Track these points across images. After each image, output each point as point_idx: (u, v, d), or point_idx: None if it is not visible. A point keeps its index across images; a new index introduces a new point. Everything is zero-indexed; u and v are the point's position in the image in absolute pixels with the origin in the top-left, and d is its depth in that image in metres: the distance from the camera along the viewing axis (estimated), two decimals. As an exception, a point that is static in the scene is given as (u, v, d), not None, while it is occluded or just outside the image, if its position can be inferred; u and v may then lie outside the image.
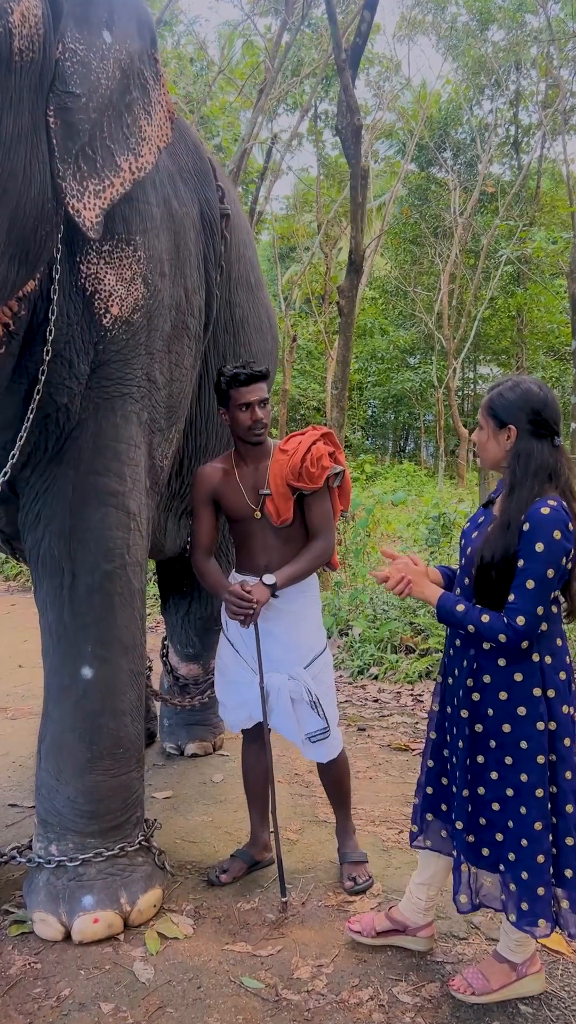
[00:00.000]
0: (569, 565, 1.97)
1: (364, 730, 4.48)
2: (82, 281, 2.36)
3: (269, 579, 2.56)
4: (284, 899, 2.60)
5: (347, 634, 6.07)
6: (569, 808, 2.01)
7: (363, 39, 7.31)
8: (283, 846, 2.98)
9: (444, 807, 2.23)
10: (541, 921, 2.01)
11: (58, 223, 2.22)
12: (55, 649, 2.61)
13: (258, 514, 2.69)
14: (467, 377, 23.33)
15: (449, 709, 2.19)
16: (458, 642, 2.14)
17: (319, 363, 20.70)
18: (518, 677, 2.01)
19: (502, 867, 2.07)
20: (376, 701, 5.09)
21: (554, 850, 2.02)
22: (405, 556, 2.21)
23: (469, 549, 2.12)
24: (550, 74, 16.63)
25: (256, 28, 17.36)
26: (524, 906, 2.02)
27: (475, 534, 2.13)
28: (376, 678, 5.54)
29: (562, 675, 2.02)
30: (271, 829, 2.84)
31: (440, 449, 19.76)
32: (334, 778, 2.87)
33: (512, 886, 2.04)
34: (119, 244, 2.40)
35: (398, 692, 5.27)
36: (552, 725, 2.00)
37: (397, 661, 5.64)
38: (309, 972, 2.31)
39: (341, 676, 5.49)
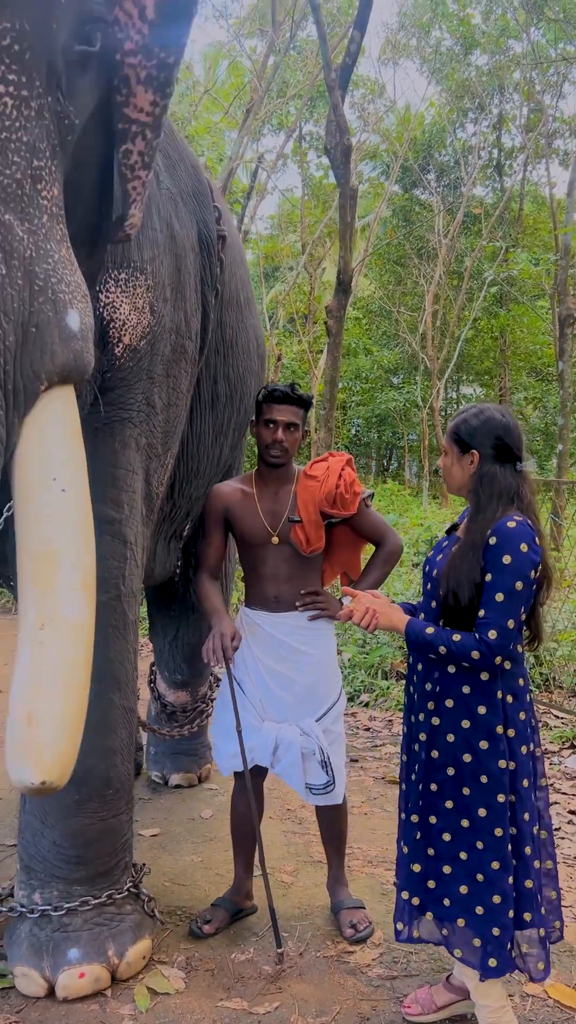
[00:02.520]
0: (535, 586, 1.97)
1: (356, 761, 4.36)
2: (100, 310, 2.29)
3: (347, 600, 2.46)
4: (280, 950, 2.47)
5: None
6: (528, 850, 1.98)
7: (352, 59, 7.31)
8: (277, 890, 2.86)
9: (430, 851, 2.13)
10: (492, 961, 1.95)
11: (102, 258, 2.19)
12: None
13: (276, 540, 2.59)
14: (450, 397, 23.39)
15: (406, 728, 2.17)
16: (420, 666, 2.12)
17: (303, 382, 20.68)
18: (481, 710, 1.99)
19: (461, 921, 2.00)
20: (368, 730, 4.98)
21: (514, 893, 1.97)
22: (366, 592, 2.23)
23: (435, 572, 2.10)
24: (532, 98, 16.80)
25: (242, 49, 17.47)
26: (492, 962, 1.95)
27: (439, 558, 2.12)
28: (367, 705, 5.42)
29: (522, 715, 2.02)
30: (257, 873, 2.70)
31: (424, 469, 19.75)
32: (331, 821, 2.74)
33: (477, 941, 1.97)
34: (134, 273, 2.34)
35: (390, 720, 5.15)
36: (512, 764, 1.98)
37: (388, 687, 5.53)
38: (309, 1031, 2.18)
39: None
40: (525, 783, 1.99)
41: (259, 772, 2.71)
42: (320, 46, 7.33)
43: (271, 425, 2.59)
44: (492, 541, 1.94)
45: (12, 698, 1.50)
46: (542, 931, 2.01)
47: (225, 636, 2.52)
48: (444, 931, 2.07)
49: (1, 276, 1.47)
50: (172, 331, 2.59)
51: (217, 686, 4.60)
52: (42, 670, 1.47)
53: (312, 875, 3.03)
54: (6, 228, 1.48)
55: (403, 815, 2.18)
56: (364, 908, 2.70)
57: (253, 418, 2.71)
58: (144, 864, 2.67)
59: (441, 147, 19.57)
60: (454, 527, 2.19)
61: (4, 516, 2.28)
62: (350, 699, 5.47)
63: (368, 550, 2.80)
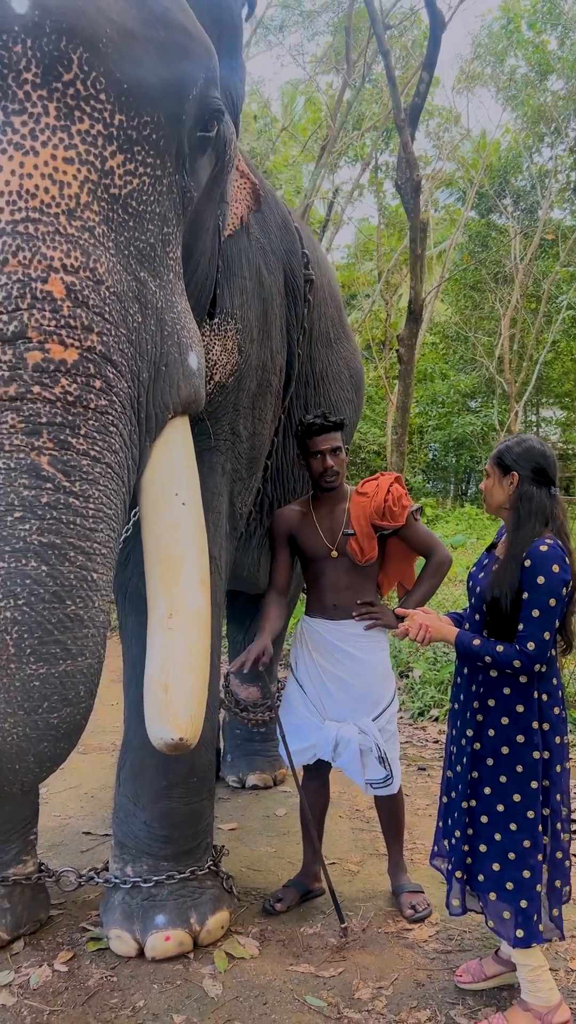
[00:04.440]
0: (567, 600, 2.23)
1: (424, 770, 4.56)
2: None
3: (400, 612, 2.73)
4: (343, 925, 2.72)
5: (408, 676, 6.16)
6: (559, 826, 2.25)
7: (422, 99, 7.61)
8: (343, 876, 3.11)
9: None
10: (520, 932, 2.19)
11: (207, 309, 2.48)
12: (137, 681, 2.79)
13: (335, 553, 2.87)
14: (529, 420, 23.27)
15: (454, 732, 2.43)
16: (466, 670, 2.39)
17: (379, 408, 20.92)
18: (519, 708, 2.25)
19: (493, 895, 2.25)
20: (436, 742, 5.17)
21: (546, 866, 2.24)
22: (418, 610, 2.49)
23: (478, 588, 2.37)
24: (610, 121, 16.81)
25: (318, 85, 18.00)
26: (520, 933, 2.19)
27: (481, 575, 2.39)
28: (436, 720, 5.61)
29: (556, 710, 2.28)
30: (335, 859, 2.97)
31: (503, 492, 19.65)
32: (390, 810, 2.99)
33: (506, 914, 2.22)
34: (225, 318, 2.62)
35: (458, 733, 5.33)
36: (546, 754, 2.24)
37: (457, 703, 5.70)
38: (370, 993, 2.42)
39: (402, 717, 5.59)
40: (558, 768, 2.25)
41: (323, 766, 2.98)
42: (390, 89, 7.67)
43: (319, 456, 2.87)
44: (527, 563, 2.19)
45: (148, 674, 1.77)
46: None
47: (253, 651, 2.77)
48: (480, 904, 2.32)
49: (139, 323, 1.74)
50: (258, 368, 2.89)
51: (280, 695, 4.93)
52: (173, 650, 1.75)
53: (376, 865, 3.27)
54: (142, 284, 1.76)
55: (444, 799, 2.45)
56: (423, 892, 2.93)
57: (298, 452, 2.96)
58: (223, 846, 2.96)
59: (517, 172, 19.68)
60: (493, 545, 2.45)
61: (132, 522, 2.66)
62: (420, 713, 5.67)
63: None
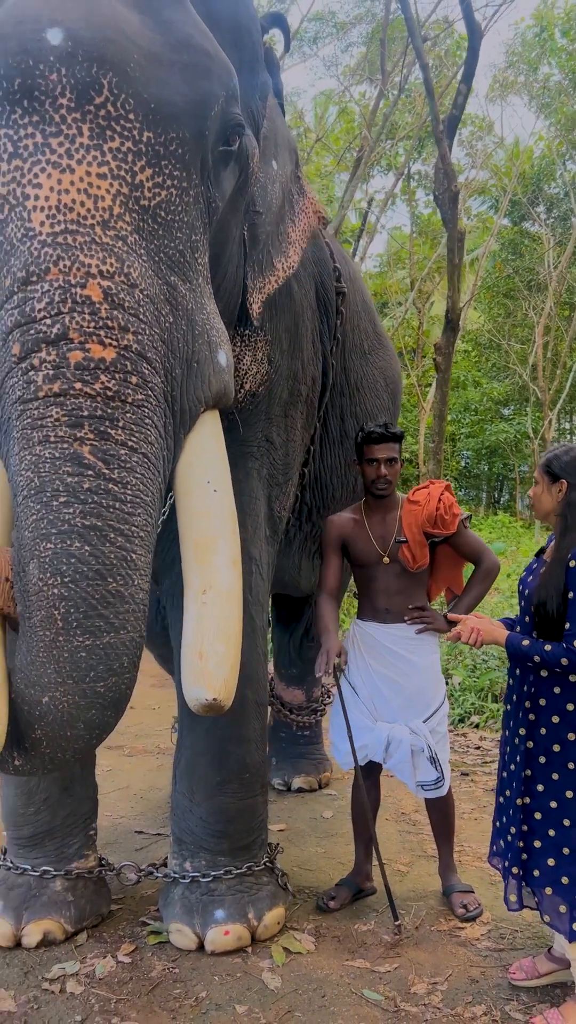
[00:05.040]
0: None
1: (467, 775, 4.61)
2: None
3: (453, 616, 2.80)
4: (397, 922, 2.78)
5: (447, 682, 6.20)
6: None
7: (459, 110, 7.69)
8: (394, 877, 3.17)
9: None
10: None
11: (236, 315, 2.59)
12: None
13: (386, 560, 2.94)
14: (563, 428, 23.18)
15: (507, 732, 2.49)
16: (518, 671, 2.46)
17: (412, 415, 20.94)
18: (570, 707, 2.32)
19: (549, 890, 2.31)
20: (478, 748, 5.21)
21: None
22: (470, 615, 2.58)
23: (527, 592, 2.45)
24: None
25: (351, 96, 18.11)
26: None
27: (530, 579, 2.47)
28: (477, 726, 5.65)
29: None
30: (384, 860, 3.03)
31: (536, 500, 19.58)
32: (440, 812, 3.05)
33: (563, 908, 2.28)
34: (255, 330, 2.72)
35: (498, 740, 5.36)
36: None
37: (498, 710, 5.73)
38: (425, 988, 2.49)
39: (442, 722, 5.62)
40: None
41: (374, 767, 3.05)
42: (428, 101, 7.75)
43: (374, 463, 2.96)
44: (572, 564, 2.26)
45: (184, 643, 1.88)
46: None
47: (331, 652, 2.88)
48: (536, 899, 2.37)
49: (171, 323, 1.86)
50: (288, 378, 2.99)
51: (330, 697, 5.01)
52: (207, 621, 1.86)
53: (425, 867, 3.33)
54: (173, 287, 1.88)
55: (500, 798, 2.51)
56: (474, 892, 2.98)
57: (356, 458, 3.07)
58: (278, 844, 3.04)
59: (550, 180, 19.64)
60: (542, 550, 2.53)
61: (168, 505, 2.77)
62: (460, 720, 5.71)
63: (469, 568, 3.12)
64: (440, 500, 2.92)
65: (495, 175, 19.81)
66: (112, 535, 1.67)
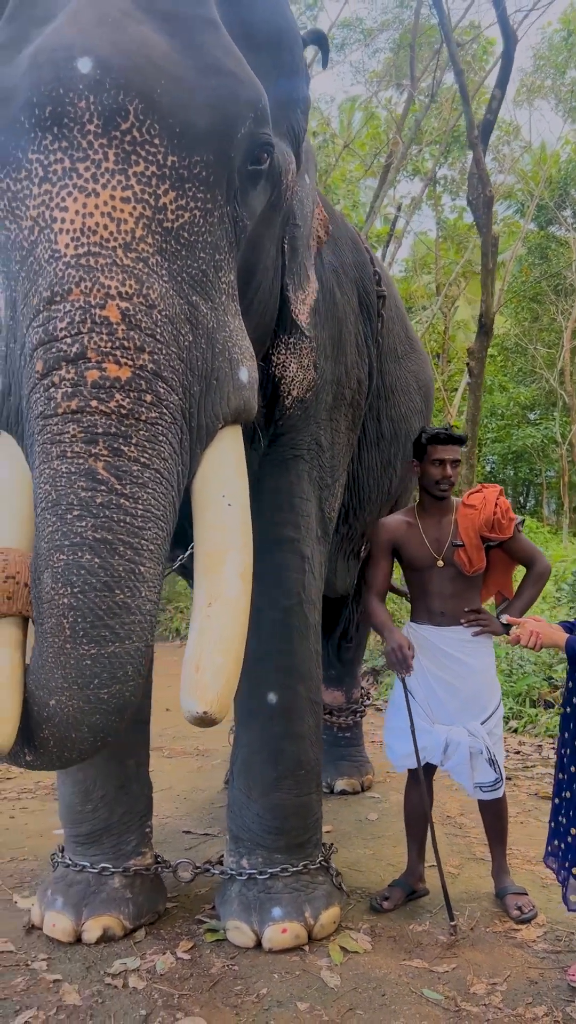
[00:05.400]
0: None
1: (510, 779, 4.60)
2: (272, 370, 2.75)
3: (506, 619, 2.81)
4: (453, 923, 2.79)
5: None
6: None
7: (494, 115, 7.71)
8: (445, 879, 3.18)
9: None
10: None
11: (273, 326, 2.64)
12: (244, 677, 2.92)
13: (441, 563, 2.97)
14: (590, 433, 23.02)
15: (566, 734, 2.52)
16: None
17: (438, 420, 20.91)
18: None
19: None
20: (518, 753, 5.21)
21: None
22: (528, 618, 2.58)
23: None
24: None
25: (379, 101, 18.15)
26: None
27: None
28: (516, 731, 5.64)
29: None
30: (428, 864, 3.05)
31: (564, 505, 19.52)
32: (495, 814, 3.06)
33: None
34: (300, 337, 2.77)
35: (539, 745, 5.36)
36: None
37: (536, 715, 5.73)
38: (484, 988, 2.50)
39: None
40: None
41: (429, 769, 3.07)
42: (463, 107, 7.77)
43: (440, 464, 2.98)
44: None
45: (186, 654, 1.90)
46: None
47: (403, 647, 2.91)
48: None
49: (190, 342, 1.90)
50: (333, 383, 3.04)
51: (369, 698, 5.04)
52: (208, 633, 1.88)
53: (475, 869, 3.34)
54: (193, 307, 1.92)
55: (555, 800, 2.54)
56: (527, 894, 2.99)
57: (415, 459, 3.10)
58: (332, 844, 3.06)
59: (578, 184, 19.58)
60: None
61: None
62: (498, 724, 5.70)
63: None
64: (497, 504, 2.94)
65: (522, 179, 19.77)
66: (122, 548, 1.71)
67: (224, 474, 2.04)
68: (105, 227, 1.76)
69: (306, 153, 2.68)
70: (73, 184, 1.76)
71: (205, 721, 1.79)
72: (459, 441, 3.02)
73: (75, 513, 1.70)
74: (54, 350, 1.74)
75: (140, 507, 1.74)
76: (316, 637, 3.00)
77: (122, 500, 1.72)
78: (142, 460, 1.75)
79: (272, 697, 2.84)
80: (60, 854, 2.99)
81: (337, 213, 3.36)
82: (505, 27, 7.21)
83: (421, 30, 13.39)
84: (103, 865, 2.84)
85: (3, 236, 1.90)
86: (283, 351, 2.74)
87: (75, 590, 1.68)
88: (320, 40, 2.77)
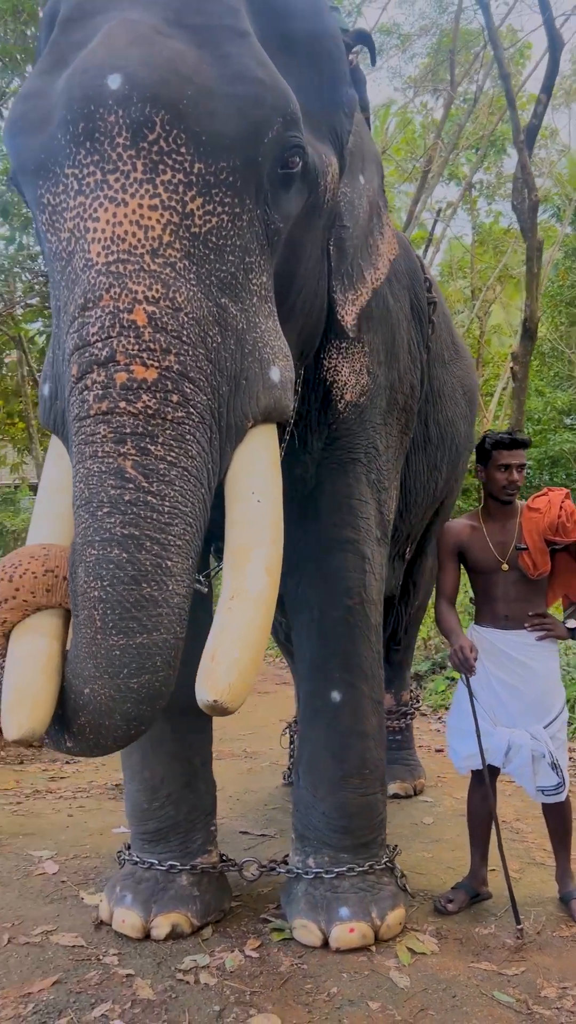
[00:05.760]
0: None
1: None
2: (324, 374, 2.78)
3: (571, 623, 2.82)
4: (519, 926, 2.79)
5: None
6: None
7: (539, 119, 7.68)
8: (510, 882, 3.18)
9: None
10: None
11: (321, 328, 2.66)
12: (308, 676, 2.97)
13: (505, 567, 2.97)
14: (627, 438, 22.77)
15: None
16: None
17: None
18: None
19: None
20: (571, 759, 5.16)
21: None
22: None
23: None
24: None
25: (415, 106, 18.16)
26: None
27: None
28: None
29: None
30: (491, 867, 3.05)
31: (601, 511, 19.30)
32: (559, 817, 3.05)
33: None
34: (352, 342, 2.80)
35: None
36: None
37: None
38: (556, 992, 2.49)
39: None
40: None
41: (492, 772, 3.07)
42: (510, 112, 7.75)
43: (506, 468, 3.00)
44: None
45: (205, 646, 1.93)
46: None
47: (465, 648, 2.92)
48: None
49: (218, 343, 1.95)
50: (386, 388, 3.06)
51: (418, 702, 5.04)
52: (227, 626, 1.91)
53: (537, 873, 3.33)
54: (222, 308, 1.96)
55: None
56: (594, 898, 2.98)
57: (480, 464, 3.12)
58: (396, 845, 3.07)
59: (617, 186, 19.42)
60: None
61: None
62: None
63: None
64: (562, 507, 2.94)
65: (559, 184, 19.65)
66: (148, 543, 1.76)
67: (254, 471, 2.07)
68: (133, 235, 1.82)
69: (362, 153, 2.69)
70: (104, 195, 1.83)
71: (216, 710, 1.82)
72: (524, 444, 3.03)
73: (105, 510, 1.76)
74: (87, 354, 1.81)
75: (167, 504, 1.80)
76: (378, 637, 3.02)
77: (149, 497, 1.78)
78: (169, 458, 1.81)
79: (336, 696, 2.87)
80: (127, 851, 3.03)
81: (387, 219, 3.38)
82: (551, 32, 7.19)
83: (459, 35, 13.38)
84: (171, 863, 2.88)
85: (47, 247, 1.99)
86: (334, 355, 2.77)
87: (104, 583, 1.75)
88: (365, 39, 2.81)
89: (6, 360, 17.71)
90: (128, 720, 1.80)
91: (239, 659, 1.85)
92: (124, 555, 1.74)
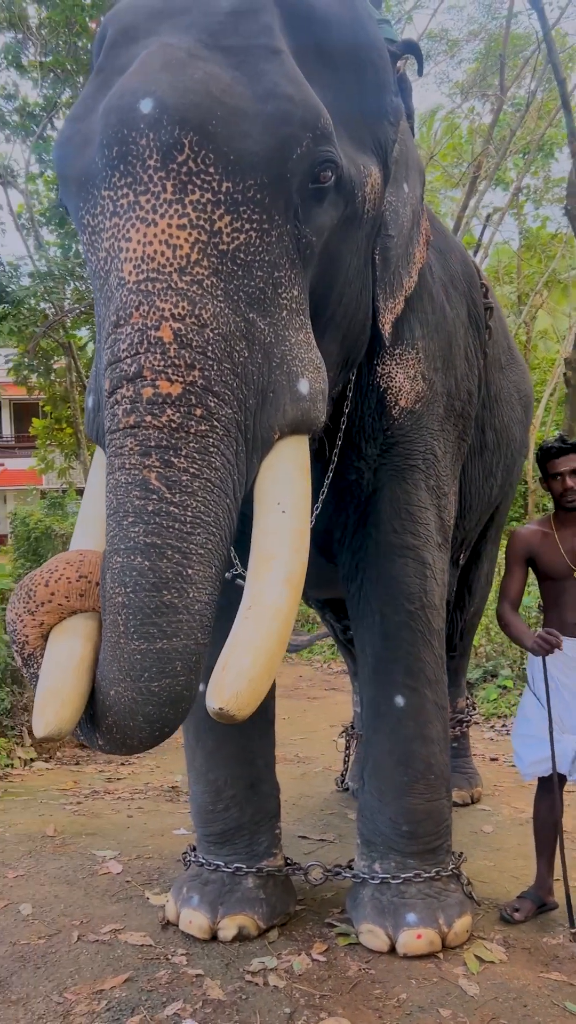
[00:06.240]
0: None
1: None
2: (377, 380, 2.79)
3: None
4: (574, 930, 2.76)
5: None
6: None
7: (594, 123, 7.60)
8: (571, 892, 3.14)
9: None
10: None
11: (367, 335, 2.67)
12: (371, 680, 2.97)
13: None
14: None
15: None
16: None
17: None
18: None
19: None
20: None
21: None
22: None
23: None
24: None
25: (463, 111, 18.09)
26: None
27: None
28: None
29: None
30: (556, 877, 3.02)
31: None
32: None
33: None
34: (407, 348, 2.82)
35: None
36: None
37: None
38: (630, 1005, 2.46)
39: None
40: None
41: (559, 780, 3.04)
42: (565, 116, 7.68)
43: (557, 477, 2.98)
44: None
45: (220, 655, 1.94)
46: None
47: (547, 635, 2.85)
48: None
49: (245, 358, 1.98)
50: (443, 394, 3.06)
51: (475, 708, 5.00)
52: (242, 636, 1.93)
53: (602, 884, 3.28)
54: (250, 323, 2.00)
55: None
56: None
57: (540, 475, 3.12)
58: (462, 852, 3.05)
59: None
60: None
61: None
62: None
63: None
64: None
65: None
66: (170, 552, 1.81)
67: (281, 482, 2.10)
68: (162, 254, 1.87)
69: (406, 162, 2.69)
70: (136, 216, 1.89)
71: (222, 716, 1.85)
72: (573, 449, 2.99)
73: (130, 520, 1.82)
74: (117, 370, 1.87)
75: (189, 514, 1.84)
76: (440, 642, 3.01)
77: (171, 508, 1.82)
78: (191, 470, 1.85)
79: (400, 701, 2.87)
80: (192, 852, 3.05)
81: (443, 226, 3.37)
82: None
83: (509, 39, 13.31)
84: (237, 865, 2.89)
85: (89, 266, 2.07)
86: (388, 362, 2.79)
87: (127, 589, 1.80)
88: (413, 49, 2.82)
89: (55, 366, 18.04)
90: (151, 722, 1.85)
91: (249, 668, 1.87)
92: (146, 563, 1.80)
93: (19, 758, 5.26)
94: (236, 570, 2.59)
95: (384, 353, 2.77)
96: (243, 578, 2.19)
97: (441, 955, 2.71)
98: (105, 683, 1.85)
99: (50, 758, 5.43)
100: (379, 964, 2.68)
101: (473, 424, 3.54)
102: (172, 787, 4.79)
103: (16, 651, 1.99)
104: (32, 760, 5.32)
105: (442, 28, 16.16)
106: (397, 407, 2.83)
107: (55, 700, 1.85)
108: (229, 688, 1.84)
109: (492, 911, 3.06)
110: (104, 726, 1.88)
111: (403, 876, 2.79)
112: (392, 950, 2.72)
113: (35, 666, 1.95)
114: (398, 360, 2.81)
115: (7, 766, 5.13)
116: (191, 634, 1.84)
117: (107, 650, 1.85)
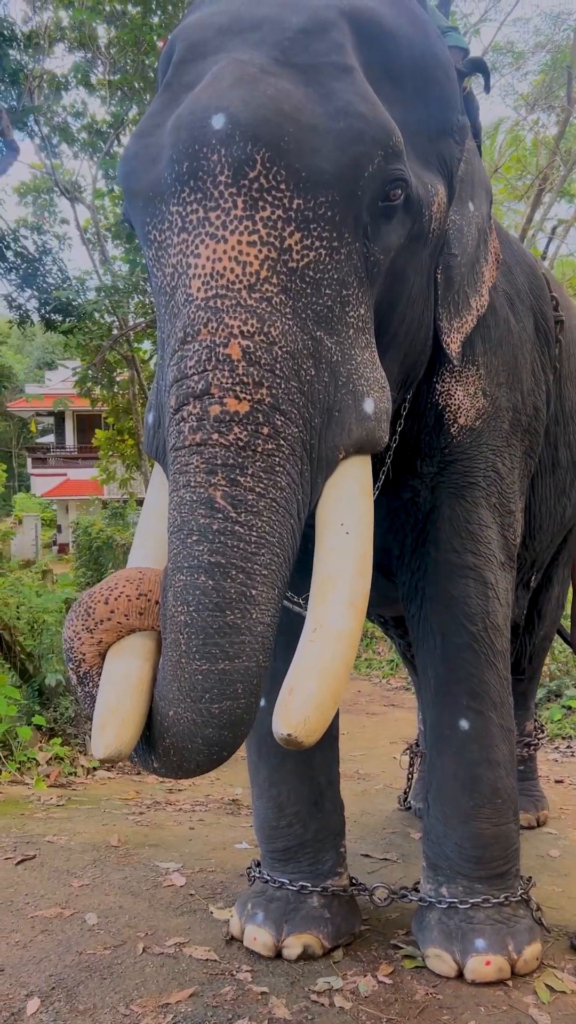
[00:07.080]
0: None
1: None
2: (436, 398, 2.76)
3: None
4: None
5: None
6: None
7: None
8: None
9: None
10: None
11: (427, 355, 2.65)
12: (434, 703, 2.92)
13: None
14: None
15: None
16: None
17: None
18: None
19: None
20: None
21: None
22: None
23: None
24: None
25: (527, 123, 17.96)
26: None
27: None
28: None
29: None
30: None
31: None
32: None
33: None
34: (467, 364, 2.78)
35: None
36: None
37: None
38: None
39: None
40: None
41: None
42: None
43: None
44: None
45: (285, 679, 1.90)
46: None
47: None
48: None
49: (312, 376, 1.95)
50: (509, 409, 3.00)
51: (544, 732, 4.90)
52: (307, 661, 1.89)
53: None
54: (317, 341, 1.97)
55: None
56: None
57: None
58: (531, 877, 2.99)
59: None
60: None
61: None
62: None
63: None
64: None
65: None
66: (234, 572, 1.78)
67: (345, 503, 2.06)
68: (232, 270, 1.87)
69: (472, 180, 2.67)
70: (205, 232, 1.88)
71: (290, 743, 1.82)
72: None
73: (194, 538, 1.81)
74: (184, 387, 1.86)
75: (254, 534, 1.82)
76: (505, 664, 2.95)
77: (236, 527, 1.80)
78: (257, 490, 1.83)
79: (464, 724, 2.82)
80: (256, 868, 3.04)
81: (512, 238, 3.32)
82: None
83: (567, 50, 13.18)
84: (302, 883, 2.87)
85: (154, 282, 2.07)
86: (447, 378, 2.76)
87: (190, 608, 1.79)
88: (480, 67, 2.82)
89: (118, 379, 18.35)
90: (210, 744, 1.83)
91: (316, 693, 1.85)
92: (210, 582, 1.78)
93: (82, 766, 5.34)
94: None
95: (444, 371, 2.74)
96: (290, 600, 2.19)
97: (510, 983, 2.65)
98: (164, 703, 1.84)
99: (112, 767, 5.48)
100: (446, 989, 2.63)
101: (543, 440, 3.49)
102: (232, 800, 4.81)
103: (72, 669, 2.00)
104: (95, 768, 5.38)
105: (508, 40, 16.03)
106: (456, 425, 2.80)
107: (115, 720, 1.85)
108: (297, 714, 1.82)
109: (562, 939, 2.99)
110: (161, 748, 1.87)
111: (471, 901, 2.73)
112: (460, 976, 2.67)
113: (90, 685, 1.96)
114: (458, 377, 2.78)
115: (70, 774, 5.20)
116: (253, 656, 1.83)
117: (167, 670, 1.83)
